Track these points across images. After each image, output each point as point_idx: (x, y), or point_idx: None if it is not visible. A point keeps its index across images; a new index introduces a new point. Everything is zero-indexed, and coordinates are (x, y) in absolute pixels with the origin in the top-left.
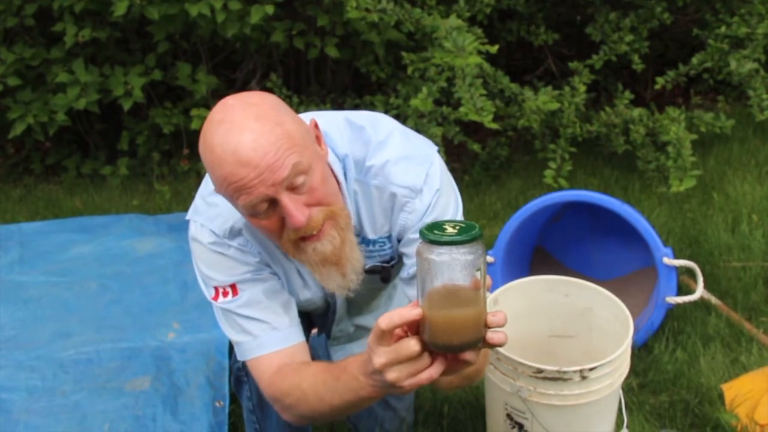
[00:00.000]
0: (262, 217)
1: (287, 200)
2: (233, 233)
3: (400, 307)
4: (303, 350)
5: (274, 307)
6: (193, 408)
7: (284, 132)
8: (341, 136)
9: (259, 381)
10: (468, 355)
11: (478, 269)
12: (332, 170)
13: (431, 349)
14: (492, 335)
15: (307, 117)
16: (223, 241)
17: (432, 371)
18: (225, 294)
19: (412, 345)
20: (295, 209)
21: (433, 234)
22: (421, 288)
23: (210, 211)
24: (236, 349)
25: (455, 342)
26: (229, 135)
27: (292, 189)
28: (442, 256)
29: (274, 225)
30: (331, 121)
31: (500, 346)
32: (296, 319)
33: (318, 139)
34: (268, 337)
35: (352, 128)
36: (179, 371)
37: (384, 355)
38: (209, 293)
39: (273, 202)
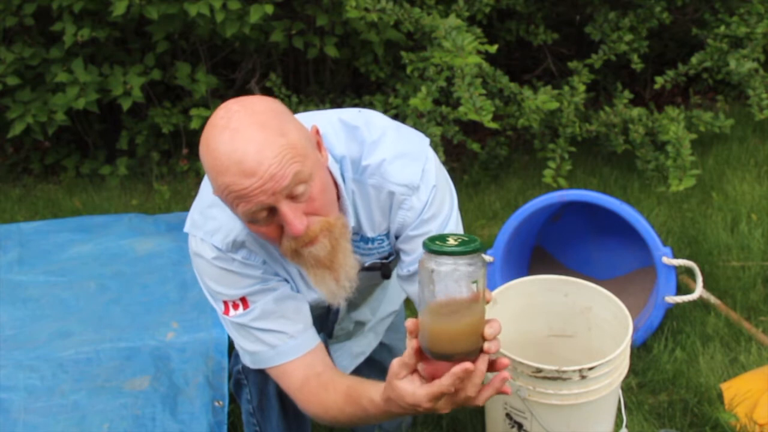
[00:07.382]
0: (261, 224)
1: (287, 209)
2: (236, 246)
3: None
4: (321, 353)
5: (287, 314)
6: (193, 408)
7: (288, 142)
8: (337, 137)
9: (287, 389)
10: (468, 365)
11: (476, 281)
12: (330, 172)
13: (428, 357)
14: (489, 345)
15: (306, 120)
16: (227, 255)
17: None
18: (236, 307)
19: (445, 384)
20: (294, 217)
21: (435, 245)
22: (422, 296)
23: (209, 225)
24: (251, 358)
25: (451, 350)
26: (233, 144)
27: (292, 198)
28: (442, 266)
29: (273, 232)
30: (327, 123)
31: (493, 353)
32: (310, 321)
33: (319, 145)
34: (286, 346)
35: (347, 129)
36: (178, 371)
37: (426, 399)
38: (219, 308)
39: (272, 210)
